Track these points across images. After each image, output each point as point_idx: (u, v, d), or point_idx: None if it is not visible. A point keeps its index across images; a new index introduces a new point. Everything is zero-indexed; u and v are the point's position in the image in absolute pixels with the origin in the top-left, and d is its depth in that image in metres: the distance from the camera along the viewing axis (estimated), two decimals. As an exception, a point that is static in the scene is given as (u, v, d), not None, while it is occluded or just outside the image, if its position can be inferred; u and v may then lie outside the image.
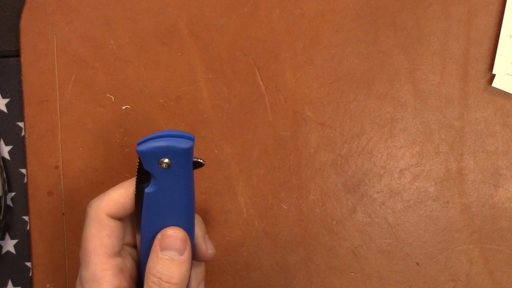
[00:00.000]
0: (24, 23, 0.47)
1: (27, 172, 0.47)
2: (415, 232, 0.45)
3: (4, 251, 0.48)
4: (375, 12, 0.46)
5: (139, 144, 0.33)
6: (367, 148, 0.45)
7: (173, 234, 0.34)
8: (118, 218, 0.36)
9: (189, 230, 0.36)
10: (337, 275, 0.45)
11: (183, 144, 0.33)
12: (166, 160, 0.33)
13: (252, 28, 0.46)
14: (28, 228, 0.47)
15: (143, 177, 0.35)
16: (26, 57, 0.47)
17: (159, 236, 0.35)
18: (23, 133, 0.47)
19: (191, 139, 0.34)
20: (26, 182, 0.47)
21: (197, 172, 0.46)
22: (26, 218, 0.48)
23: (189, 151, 0.34)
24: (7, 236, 0.48)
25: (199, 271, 0.38)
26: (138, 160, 0.35)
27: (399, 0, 0.46)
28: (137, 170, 0.35)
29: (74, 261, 0.46)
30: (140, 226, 0.36)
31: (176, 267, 0.33)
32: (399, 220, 0.45)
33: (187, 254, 0.34)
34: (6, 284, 0.48)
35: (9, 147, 0.48)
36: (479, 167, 0.45)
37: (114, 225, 0.35)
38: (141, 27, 0.47)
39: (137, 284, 0.38)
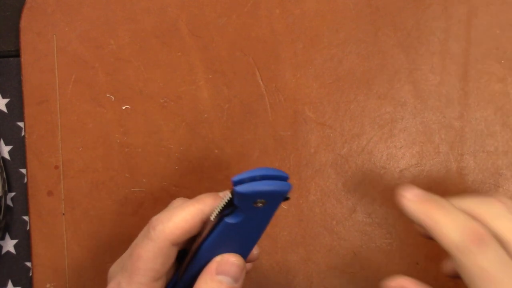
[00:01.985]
0: (24, 23, 0.47)
1: (27, 172, 0.47)
2: (415, 232, 0.45)
3: (4, 251, 0.48)
4: (375, 12, 0.46)
5: (236, 182, 0.32)
6: (367, 148, 0.45)
7: (234, 262, 0.33)
8: (177, 245, 0.34)
9: (246, 256, 0.36)
10: (337, 275, 0.45)
11: (284, 188, 0.33)
12: (263, 201, 0.33)
13: (252, 28, 0.46)
14: (28, 228, 0.47)
15: (226, 207, 0.34)
16: (26, 57, 0.47)
17: (218, 259, 0.34)
18: (23, 133, 0.47)
19: (287, 178, 0.33)
20: (26, 182, 0.47)
21: (197, 173, 0.46)
22: (26, 218, 0.48)
23: (286, 193, 0.34)
24: (7, 236, 0.48)
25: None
26: (230, 194, 0.34)
27: (399, 0, 0.46)
28: (225, 203, 0.34)
29: (74, 261, 0.46)
30: (198, 250, 0.35)
31: None
32: (399, 220, 0.45)
33: (240, 282, 0.34)
34: (6, 284, 0.48)
35: (9, 147, 0.48)
36: (479, 167, 0.45)
37: (172, 253, 0.34)
38: (141, 27, 0.47)
39: None
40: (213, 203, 0.34)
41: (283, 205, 0.46)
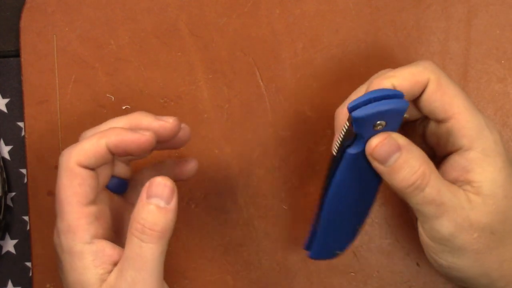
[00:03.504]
0: (24, 23, 0.47)
1: (27, 172, 0.47)
2: (415, 232, 0.45)
3: (4, 251, 0.48)
4: (375, 12, 0.46)
5: (352, 108, 0.32)
6: (367, 148, 0.45)
7: (161, 182, 0.34)
8: (90, 168, 0.35)
9: (374, 196, 0.36)
10: (337, 275, 0.45)
11: (402, 104, 0.32)
12: (383, 123, 0.33)
13: (252, 28, 0.46)
14: (28, 228, 0.47)
15: (346, 138, 0.34)
16: (26, 57, 0.47)
17: (147, 184, 0.34)
18: (23, 133, 0.47)
19: (402, 95, 0.33)
20: (26, 182, 0.47)
21: (197, 173, 0.46)
22: (26, 218, 0.48)
23: (405, 111, 0.33)
24: (7, 236, 0.48)
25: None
26: (347, 122, 0.33)
27: (399, 0, 0.46)
28: (344, 131, 0.34)
29: (74, 261, 0.46)
30: (328, 189, 0.36)
31: (162, 215, 0.33)
32: (399, 220, 0.45)
33: (173, 204, 0.34)
34: (6, 284, 0.48)
35: (9, 147, 0.48)
36: (479, 167, 0.45)
37: (85, 174, 0.35)
38: (141, 27, 0.47)
39: (116, 232, 0.37)
40: (119, 136, 0.35)
41: (283, 205, 0.46)
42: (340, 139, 0.34)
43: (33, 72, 0.47)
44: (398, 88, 0.34)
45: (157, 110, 0.46)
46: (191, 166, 0.41)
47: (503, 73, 0.45)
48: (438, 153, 0.37)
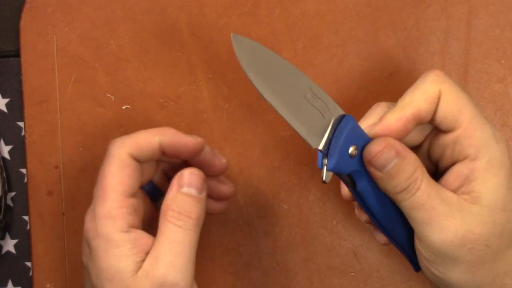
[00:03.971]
0: (24, 23, 0.47)
1: (27, 172, 0.47)
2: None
3: (4, 251, 0.48)
4: (375, 12, 0.46)
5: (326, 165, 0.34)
6: (367, 148, 0.45)
7: (193, 172, 0.35)
8: (139, 161, 0.36)
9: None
10: (337, 275, 0.45)
11: (348, 120, 0.34)
12: (353, 147, 0.34)
13: (252, 28, 0.46)
14: (28, 228, 0.47)
15: (348, 183, 0.36)
16: (26, 57, 0.47)
17: (178, 174, 0.35)
18: (23, 133, 0.47)
19: (344, 115, 0.35)
20: (26, 182, 0.47)
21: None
22: (26, 218, 0.48)
23: (353, 119, 0.35)
24: (7, 236, 0.48)
25: None
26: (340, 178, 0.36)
27: (399, 0, 0.46)
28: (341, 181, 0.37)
29: (74, 261, 0.46)
30: (373, 216, 0.37)
31: (196, 204, 0.34)
32: (399, 220, 0.45)
33: (204, 194, 0.35)
34: (6, 284, 0.48)
35: (9, 147, 0.48)
36: (479, 167, 0.45)
37: (135, 166, 0.36)
38: (141, 27, 0.47)
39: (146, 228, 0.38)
40: (174, 136, 0.36)
41: (283, 205, 0.46)
42: (345, 186, 0.37)
43: (33, 72, 0.47)
44: (418, 114, 0.34)
45: (157, 110, 0.46)
46: (221, 163, 0.40)
47: (503, 73, 0.45)
48: (442, 165, 0.36)
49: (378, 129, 0.35)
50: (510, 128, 0.45)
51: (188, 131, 0.46)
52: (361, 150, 0.34)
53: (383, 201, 0.36)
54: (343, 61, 0.46)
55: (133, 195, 0.36)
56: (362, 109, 0.45)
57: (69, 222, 0.46)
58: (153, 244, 0.35)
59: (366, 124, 0.36)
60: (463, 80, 0.45)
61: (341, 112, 0.35)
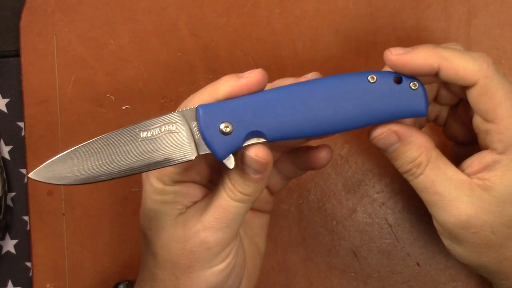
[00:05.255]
0: (24, 23, 0.47)
1: (27, 172, 0.47)
2: (415, 232, 0.45)
3: (4, 251, 0.48)
4: (375, 12, 0.46)
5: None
6: (367, 148, 0.45)
7: (256, 152, 0.34)
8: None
9: None
10: (337, 275, 0.45)
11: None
12: (222, 127, 0.34)
13: (252, 28, 0.46)
14: (28, 228, 0.47)
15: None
16: (26, 57, 0.47)
17: (244, 150, 0.34)
18: (23, 133, 0.47)
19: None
20: (26, 182, 0.47)
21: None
22: (26, 218, 0.48)
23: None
24: (7, 236, 0.48)
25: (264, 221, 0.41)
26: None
27: (399, 0, 0.46)
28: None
29: (74, 261, 0.46)
30: None
31: (252, 183, 0.34)
32: (399, 220, 0.45)
33: (261, 176, 0.35)
34: (6, 284, 0.48)
35: (9, 147, 0.48)
36: (479, 167, 0.45)
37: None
38: (141, 27, 0.47)
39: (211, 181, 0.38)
40: (233, 84, 0.35)
41: (283, 205, 0.46)
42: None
43: (33, 72, 0.47)
44: (444, 72, 0.34)
45: (157, 110, 0.46)
46: (323, 154, 0.40)
47: (503, 73, 0.45)
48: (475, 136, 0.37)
49: (402, 57, 0.34)
50: (510, 128, 0.45)
51: (188, 131, 0.46)
52: (239, 118, 0.34)
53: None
54: (343, 61, 0.46)
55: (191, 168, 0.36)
56: (362, 109, 0.45)
57: (69, 222, 0.46)
58: (205, 195, 0.37)
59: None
60: (463, 80, 0.45)
61: (191, 110, 0.34)
